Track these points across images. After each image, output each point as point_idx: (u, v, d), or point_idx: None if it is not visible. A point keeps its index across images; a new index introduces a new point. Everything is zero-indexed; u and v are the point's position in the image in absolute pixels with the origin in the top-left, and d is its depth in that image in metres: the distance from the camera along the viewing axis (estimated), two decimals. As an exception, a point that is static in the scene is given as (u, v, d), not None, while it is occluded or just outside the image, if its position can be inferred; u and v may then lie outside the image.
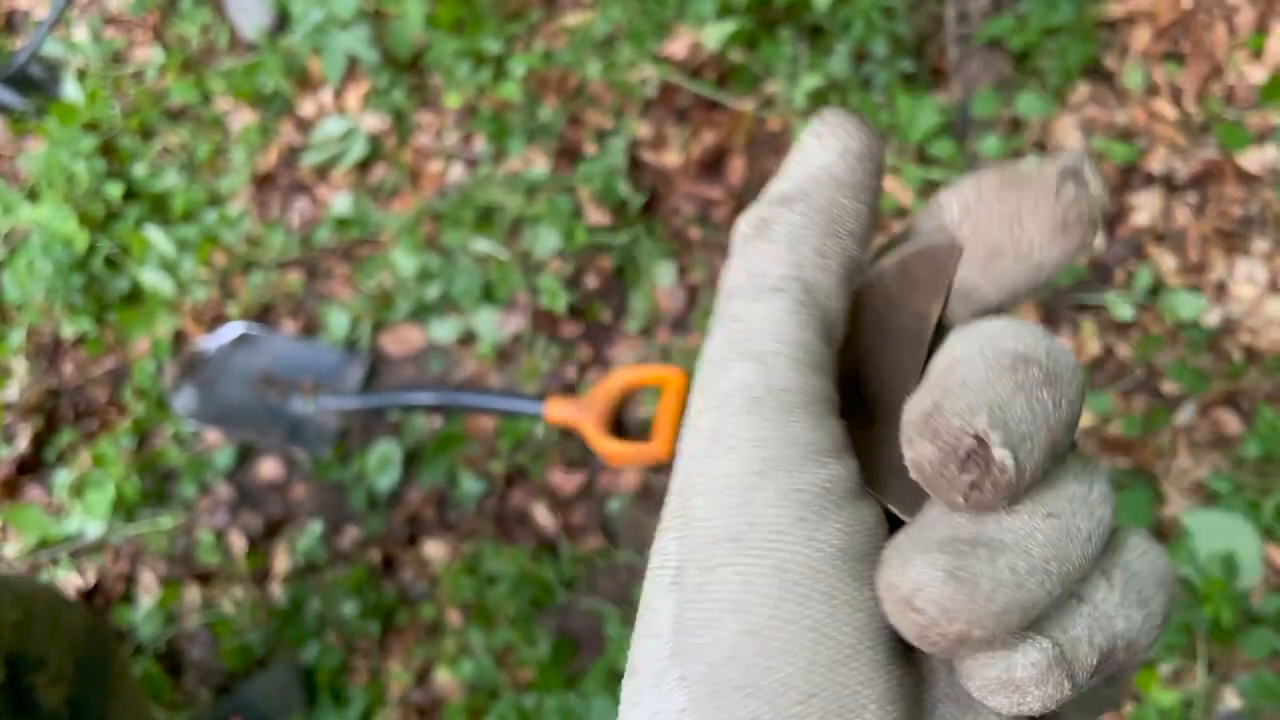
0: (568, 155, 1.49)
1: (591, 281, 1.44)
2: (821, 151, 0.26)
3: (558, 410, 1.31)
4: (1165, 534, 1.20)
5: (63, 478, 1.49)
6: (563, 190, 1.46)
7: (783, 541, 0.21)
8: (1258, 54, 1.40)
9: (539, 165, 1.48)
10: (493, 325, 1.43)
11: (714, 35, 1.42)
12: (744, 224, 0.26)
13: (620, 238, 1.43)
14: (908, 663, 0.22)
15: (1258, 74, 1.39)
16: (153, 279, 1.53)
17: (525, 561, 1.33)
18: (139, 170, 1.61)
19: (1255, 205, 1.32)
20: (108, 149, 1.63)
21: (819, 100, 1.42)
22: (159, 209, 1.59)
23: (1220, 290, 1.30)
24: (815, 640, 0.20)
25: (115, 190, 1.57)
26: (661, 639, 0.21)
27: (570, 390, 1.41)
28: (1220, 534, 1.14)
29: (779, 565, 0.21)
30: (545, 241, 1.43)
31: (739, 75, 1.46)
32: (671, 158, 1.48)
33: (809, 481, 0.22)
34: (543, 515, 1.37)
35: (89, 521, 1.47)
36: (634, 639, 0.22)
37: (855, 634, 0.21)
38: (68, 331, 1.55)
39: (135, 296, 1.56)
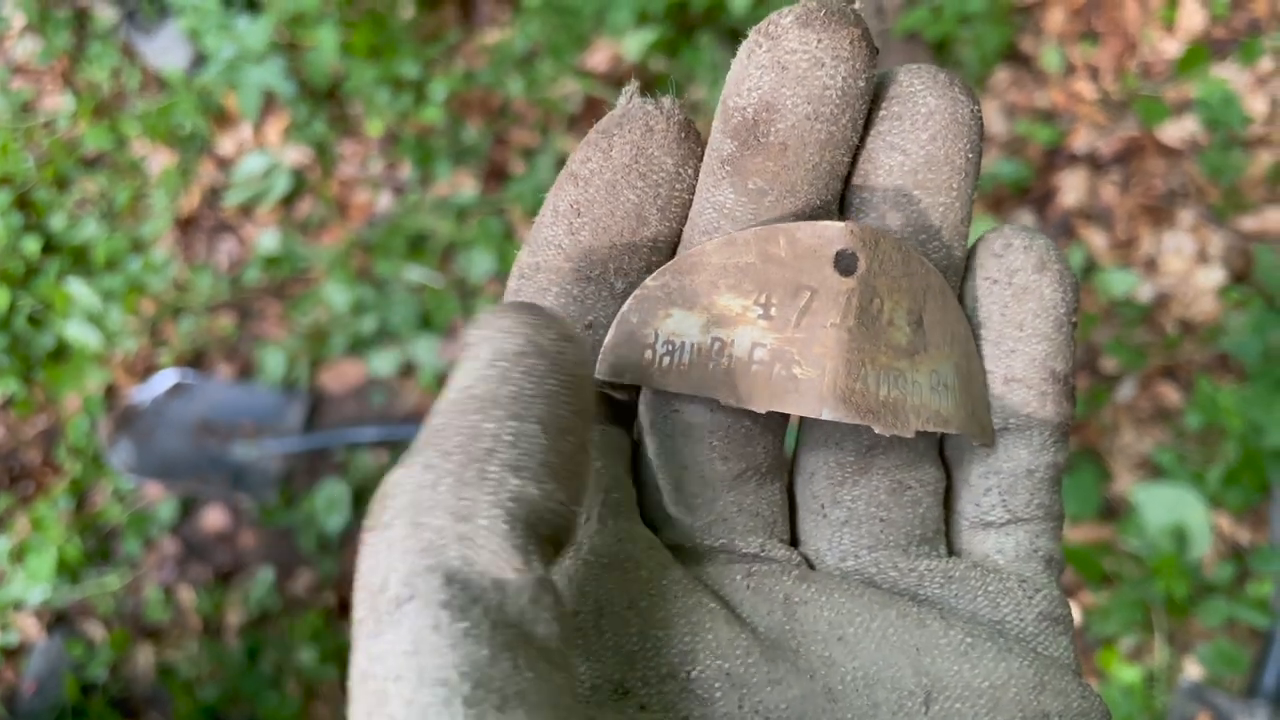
0: (496, 176, 1.47)
1: (530, 302, 1.43)
2: (466, 370, 0.18)
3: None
4: (1115, 511, 1.21)
5: (1, 544, 1.44)
6: (494, 212, 1.44)
7: None
8: (1170, 27, 1.42)
9: (467, 188, 1.46)
10: (433, 354, 1.41)
11: (634, 45, 1.41)
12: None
13: (555, 255, 1.42)
14: None
15: (1171, 47, 1.41)
16: (79, 333, 1.49)
17: (483, 591, 1.31)
18: (57, 222, 1.57)
19: (1177, 178, 1.34)
20: (23, 203, 1.59)
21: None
22: (80, 260, 1.55)
23: (1150, 265, 1.32)
24: None
25: (33, 245, 1.53)
26: None
27: (516, 414, 1.39)
28: (1168, 507, 1.15)
29: None
30: (479, 265, 1.41)
31: (662, 84, 1.45)
32: (601, 171, 1.47)
33: None
34: (498, 543, 1.35)
35: (32, 586, 1.42)
36: None
37: None
38: (-6, 394, 1.51)
39: (62, 353, 1.52)
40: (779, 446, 0.24)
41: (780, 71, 0.21)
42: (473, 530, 0.16)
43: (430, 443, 0.17)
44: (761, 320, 0.22)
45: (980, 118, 0.23)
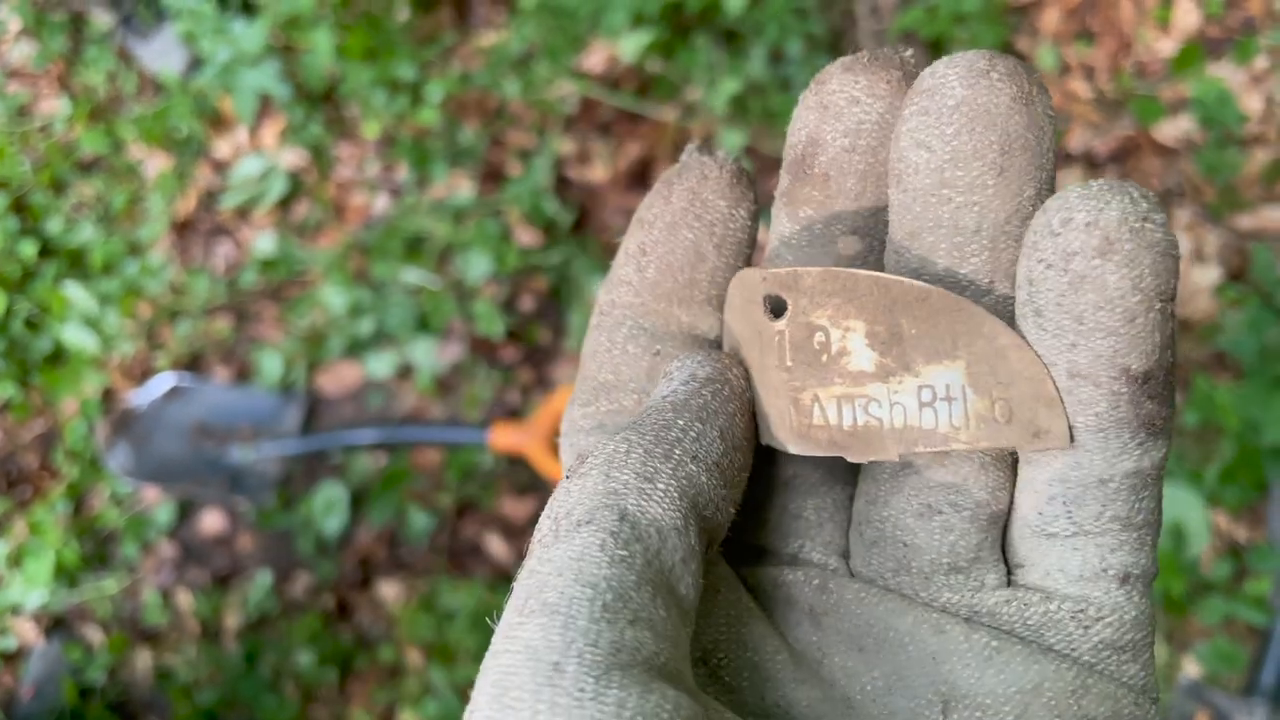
0: (493, 178, 1.47)
1: (527, 304, 1.43)
2: (663, 384, 0.22)
3: (502, 437, 1.29)
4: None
5: (-2, 549, 1.44)
6: (490, 213, 1.44)
7: None
8: (1165, 27, 1.42)
9: (464, 190, 1.46)
10: (430, 356, 1.41)
11: (629, 47, 1.41)
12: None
13: (553, 257, 1.42)
14: None
15: (1166, 46, 1.41)
16: (76, 337, 1.48)
17: (482, 594, 1.31)
18: (53, 226, 1.57)
19: (1173, 177, 1.34)
20: (19, 206, 1.58)
21: (739, 105, 1.41)
22: (77, 264, 1.55)
23: (1147, 263, 1.32)
24: None
25: (30, 249, 1.53)
26: None
27: (515, 415, 1.39)
28: (1167, 505, 1.15)
29: None
30: (477, 266, 1.41)
31: (658, 85, 1.45)
32: (598, 172, 1.47)
33: None
34: (496, 545, 1.35)
35: (30, 590, 1.42)
36: None
37: None
38: (-9, 398, 1.51)
39: (59, 356, 1.51)
40: (835, 460, 0.24)
41: (822, 110, 0.23)
42: (651, 489, 0.20)
43: (631, 427, 0.21)
44: (750, 361, 0.23)
45: (1026, 103, 0.20)
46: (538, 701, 0.16)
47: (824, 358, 0.21)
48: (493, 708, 0.16)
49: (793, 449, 0.22)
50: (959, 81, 0.20)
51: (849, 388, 0.21)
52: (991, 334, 0.20)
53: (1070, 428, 0.20)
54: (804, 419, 0.22)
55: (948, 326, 0.20)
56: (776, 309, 0.22)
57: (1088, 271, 0.19)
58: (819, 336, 0.21)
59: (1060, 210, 0.19)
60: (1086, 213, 0.19)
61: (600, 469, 0.20)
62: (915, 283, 0.20)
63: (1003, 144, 0.20)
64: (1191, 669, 1.13)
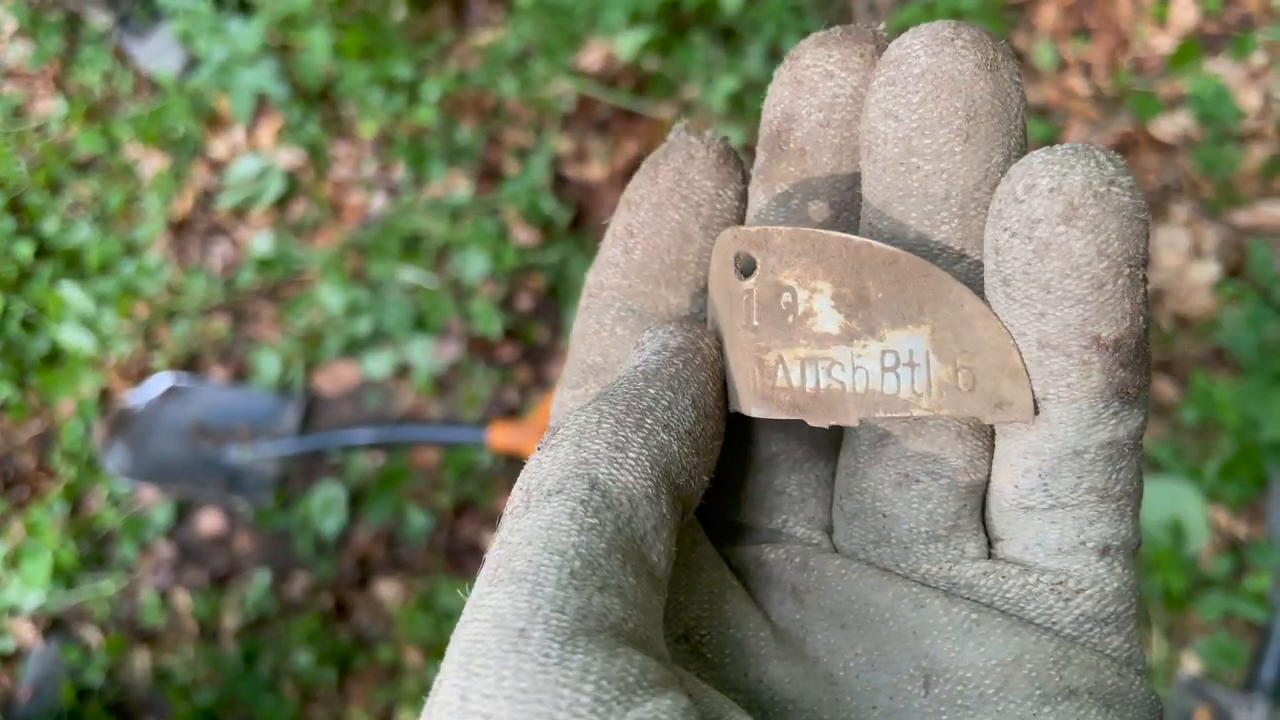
0: (490, 176, 1.47)
1: (525, 302, 1.43)
2: (635, 355, 0.22)
3: (500, 436, 1.29)
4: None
5: (-5, 550, 1.44)
6: (488, 212, 1.44)
7: None
8: (1162, 23, 1.42)
9: (461, 189, 1.46)
10: (428, 355, 1.41)
11: (627, 45, 1.41)
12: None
13: (550, 255, 1.42)
14: None
15: (1164, 43, 1.41)
16: (73, 337, 1.48)
17: (480, 593, 1.30)
18: (49, 226, 1.56)
19: (1171, 173, 1.34)
20: (15, 207, 1.58)
21: (737, 102, 1.41)
22: (73, 265, 1.55)
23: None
24: None
25: (26, 249, 1.53)
26: None
27: (513, 414, 1.39)
28: (1166, 501, 1.15)
29: None
30: (474, 265, 1.41)
31: (655, 83, 1.45)
32: (595, 171, 1.46)
33: None
34: (495, 544, 1.35)
35: (28, 592, 1.42)
36: None
37: None
38: (-12, 399, 1.50)
39: (56, 357, 1.51)
40: (818, 435, 0.24)
41: (797, 85, 0.23)
42: (623, 458, 0.19)
43: (602, 397, 0.21)
44: (722, 325, 0.23)
45: (991, 69, 0.20)
46: (503, 667, 0.16)
47: (790, 318, 0.21)
48: (459, 675, 0.17)
49: (755, 411, 0.22)
50: (924, 50, 0.20)
51: (813, 349, 0.21)
52: (958, 301, 0.20)
53: (1035, 400, 0.20)
54: (768, 380, 0.22)
55: (914, 292, 0.20)
56: (746, 269, 0.22)
57: (1052, 238, 0.19)
58: (786, 297, 0.21)
59: (1024, 176, 0.19)
60: (1050, 178, 0.19)
61: (572, 439, 0.20)
62: (884, 246, 0.20)
63: (968, 110, 0.20)
64: (1191, 665, 1.13)
